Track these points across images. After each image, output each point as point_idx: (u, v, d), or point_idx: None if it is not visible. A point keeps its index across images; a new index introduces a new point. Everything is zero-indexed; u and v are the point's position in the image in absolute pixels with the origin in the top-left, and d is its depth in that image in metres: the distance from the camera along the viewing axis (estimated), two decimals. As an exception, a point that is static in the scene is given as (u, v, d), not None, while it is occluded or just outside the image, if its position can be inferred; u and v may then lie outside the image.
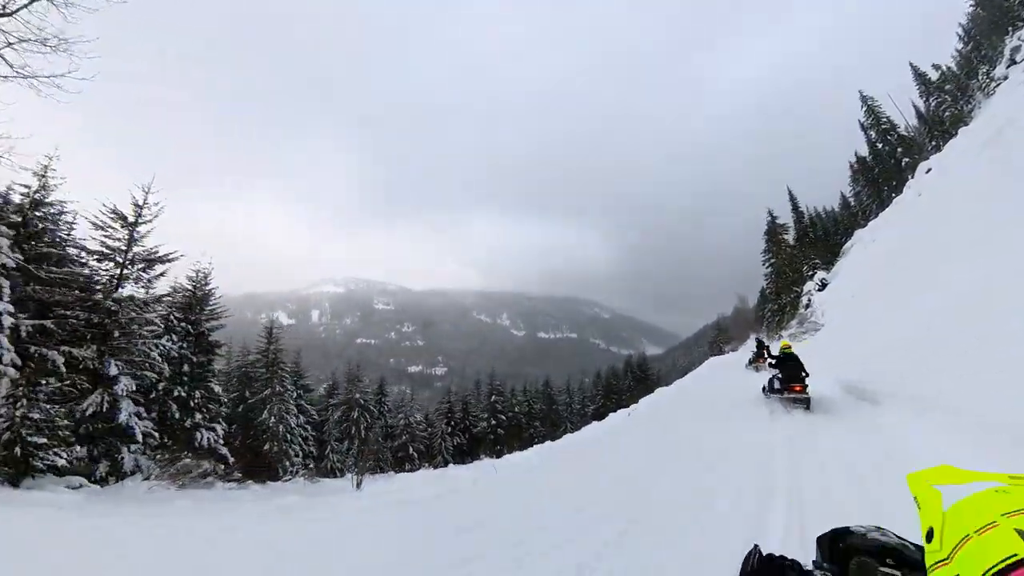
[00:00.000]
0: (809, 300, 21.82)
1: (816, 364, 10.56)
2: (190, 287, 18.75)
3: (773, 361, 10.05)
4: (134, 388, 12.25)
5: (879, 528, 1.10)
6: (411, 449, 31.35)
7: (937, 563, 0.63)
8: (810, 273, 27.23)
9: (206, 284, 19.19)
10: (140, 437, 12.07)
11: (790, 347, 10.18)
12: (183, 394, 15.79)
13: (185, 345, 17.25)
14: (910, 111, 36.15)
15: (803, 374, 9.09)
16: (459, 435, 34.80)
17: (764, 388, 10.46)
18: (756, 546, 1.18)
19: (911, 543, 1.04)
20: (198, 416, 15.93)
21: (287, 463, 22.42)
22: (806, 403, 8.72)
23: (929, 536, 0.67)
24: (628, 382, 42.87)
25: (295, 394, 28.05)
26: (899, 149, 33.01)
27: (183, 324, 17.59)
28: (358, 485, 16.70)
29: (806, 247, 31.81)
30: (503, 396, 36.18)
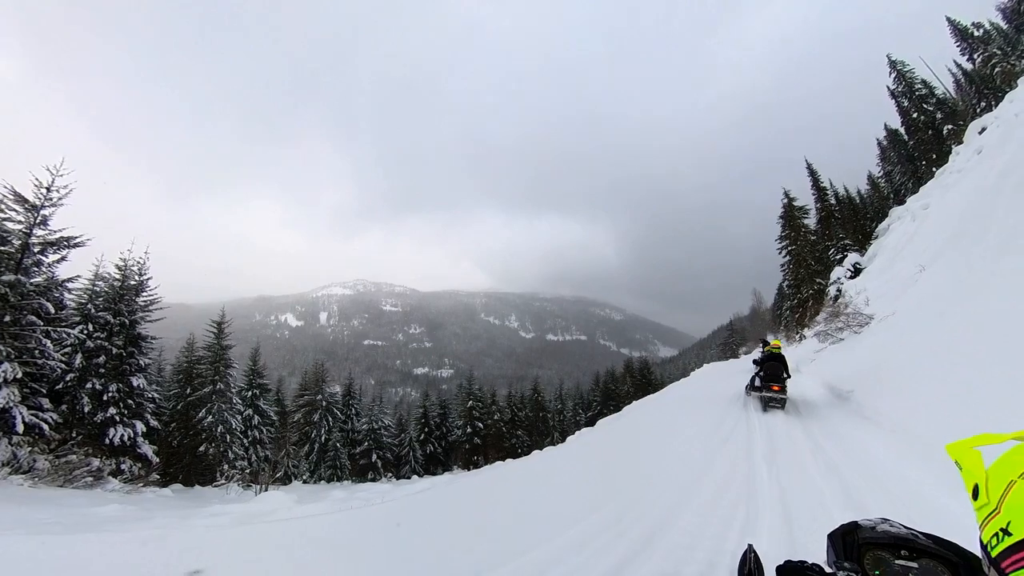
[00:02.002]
0: (839, 290, 17.66)
1: (850, 369, 7.27)
2: (118, 277, 17.80)
3: (758, 359, 10.59)
4: (19, 375, 11.34)
5: (886, 520, 1.14)
6: (375, 457, 28.08)
7: (987, 516, 0.65)
8: (838, 257, 22.72)
9: (140, 275, 18.55)
10: (21, 428, 11.18)
11: (779, 347, 10.33)
12: (98, 387, 14.90)
13: (104, 335, 16.09)
14: (945, 76, 31.58)
15: (783, 375, 9.19)
16: (433, 443, 31.52)
17: (747, 387, 10.38)
18: (750, 545, 1.21)
19: (920, 532, 1.08)
20: (112, 411, 15.09)
21: (225, 466, 20.45)
22: (781, 403, 8.84)
23: (975, 494, 0.69)
24: (627, 387, 38.69)
25: (249, 393, 25.76)
26: (938, 115, 28.43)
27: (102, 314, 16.40)
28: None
29: (832, 227, 27.11)
30: (482, 402, 32.52)
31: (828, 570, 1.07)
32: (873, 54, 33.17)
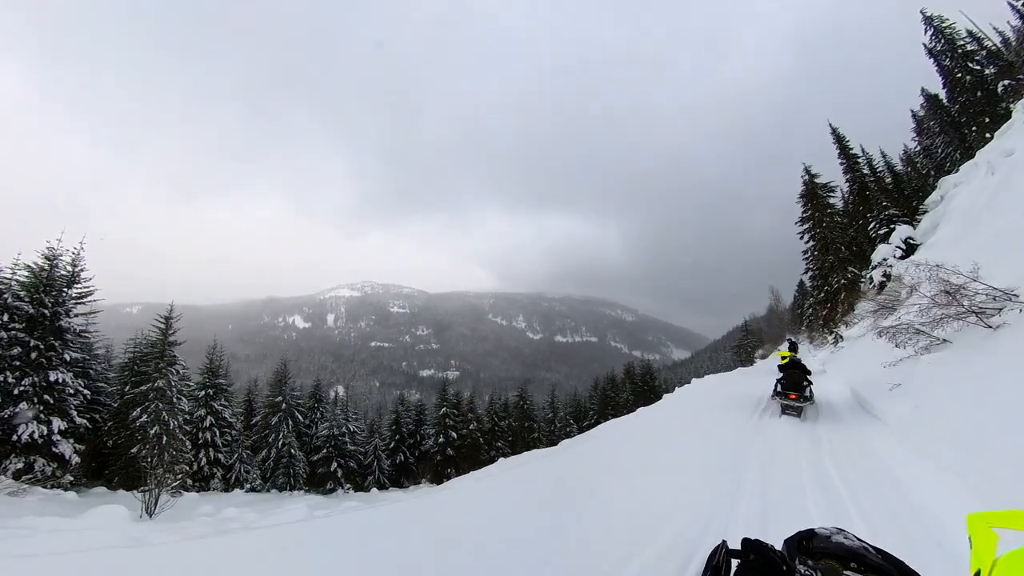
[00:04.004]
0: (887, 274, 13.58)
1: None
2: (44, 267, 17.01)
3: (780, 364, 10.18)
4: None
5: (841, 530, 1.16)
6: (335, 465, 24.99)
7: None
8: (882, 232, 18.36)
9: (73, 266, 18.01)
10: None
11: (788, 356, 10.67)
12: (10, 380, 14.37)
13: (21, 327, 15.49)
14: (989, 30, 27.15)
15: (803, 383, 9.25)
16: (404, 452, 28.33)
17: (772, 393, 9.95)
18: (724, 542, 1.24)
19: (870, 546, 1.11)
20: (23, 406, 14.54)
21: (160, 470, 18.56)
22: (798, 412, 8.88)
23: None
24: (627, 394, 34.62)
25: (203, 393, 23.88)
26: (988, 72, 24.04)
27: (19, 304, 15.81)
28: (149, 511, 13.05)
29: (872, 198, 22.46)
30: (457, 409, 29.03)
31: (790, 565, 1.09)
32: (908, 13, 28.69)
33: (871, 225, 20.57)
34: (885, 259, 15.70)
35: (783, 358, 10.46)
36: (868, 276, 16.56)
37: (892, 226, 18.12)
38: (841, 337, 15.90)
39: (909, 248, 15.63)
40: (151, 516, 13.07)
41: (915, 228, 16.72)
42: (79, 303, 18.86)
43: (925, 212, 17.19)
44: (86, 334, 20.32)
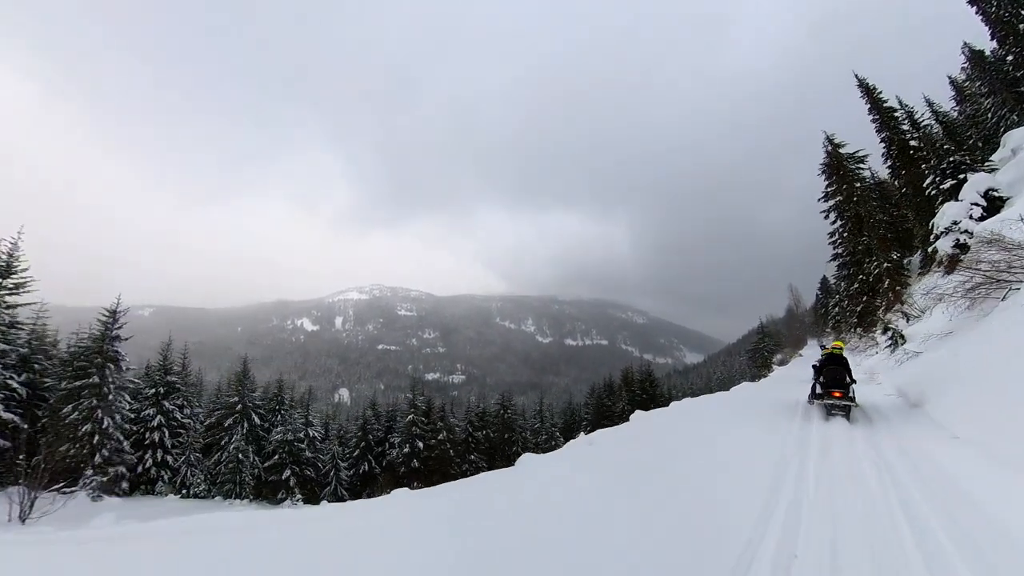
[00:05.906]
0: (960, 242, 9.99)
1: None
2: None
3: (816, 364, 9.78)
4: None
5: None
6: (288, 473, 22.34)
7: None
8: (945, 186, 14.33)
9: (9, 255, 17.90)
10: None
11: (841, 348, 9.38)
12: None
13: None
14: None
15: (847, 380, 8.44)
16: (370, 461, 25.40)
17: (808, 396, 9.52)
18: None
19: None
20: None
21: (89, 471, 18.52)
22: (846, 411, 8.01)
23: None
24: (623, 403, 30.86)
25: (152, 392, 22.40)
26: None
27: None
28: (23, 516, 11.74)
29: (915, 161, 18.07)
30: (427, 418, 25.84)
31: None
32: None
33: (928, 180, 16.30)
34: (957, 222, 11.69)
35: (837, 348, 9.29)
36: (931, 248, 12.67)
37: (960, 176, 14.04)
38: (902, 336, 11.83)
39: (991, 204, 11.66)
40: (23, 521, 11.69)
41: (995, 176, 12.78)
42: (13, 294, 18.49)
43: (994, 170, 13.48)
44: (20, 326, 19.35)
